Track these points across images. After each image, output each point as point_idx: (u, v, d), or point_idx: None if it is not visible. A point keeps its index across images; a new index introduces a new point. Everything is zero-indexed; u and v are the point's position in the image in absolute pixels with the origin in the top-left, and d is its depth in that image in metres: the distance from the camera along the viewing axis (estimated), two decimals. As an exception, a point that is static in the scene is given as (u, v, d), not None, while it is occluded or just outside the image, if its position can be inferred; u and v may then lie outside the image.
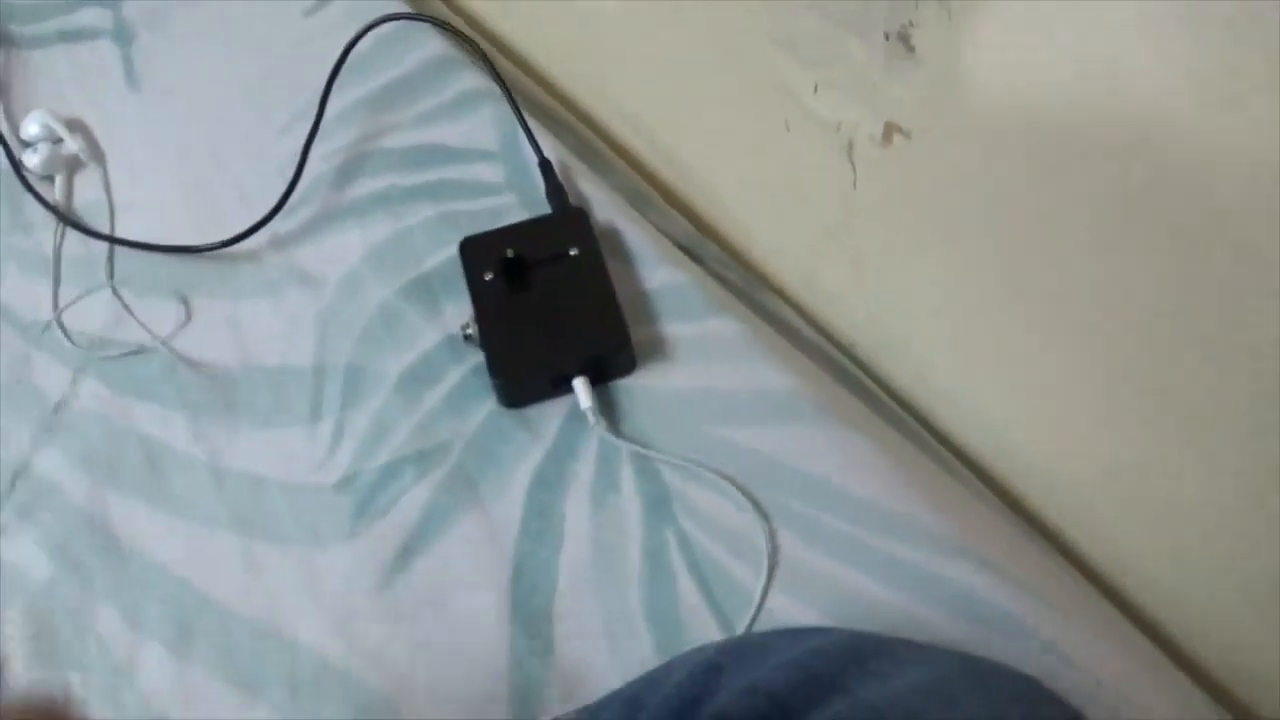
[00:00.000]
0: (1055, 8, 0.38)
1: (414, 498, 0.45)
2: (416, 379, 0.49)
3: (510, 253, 0.49)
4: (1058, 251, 0.45)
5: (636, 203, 0.63)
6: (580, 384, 0.46)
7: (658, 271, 0.51)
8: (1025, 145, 0.44)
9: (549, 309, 0.48)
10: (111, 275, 0.54)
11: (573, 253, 0.49)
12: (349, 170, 0.57)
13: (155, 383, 0.50)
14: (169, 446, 0.48)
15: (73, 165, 0.58)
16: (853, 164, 0.53)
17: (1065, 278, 0.46)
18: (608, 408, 0.47)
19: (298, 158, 0.55)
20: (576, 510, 0.45)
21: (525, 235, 0.50)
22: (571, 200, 0.54)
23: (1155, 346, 0.42)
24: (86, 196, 0.57)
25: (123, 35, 0.64)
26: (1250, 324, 0.37)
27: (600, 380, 0.47)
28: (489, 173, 0.55)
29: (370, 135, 0.58)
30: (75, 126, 0.59)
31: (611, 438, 0.45)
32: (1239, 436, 0.40)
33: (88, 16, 0.65)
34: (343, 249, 0.53)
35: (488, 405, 0.47)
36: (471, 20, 0.72)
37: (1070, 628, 0.40)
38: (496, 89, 0.58)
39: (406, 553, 0.44)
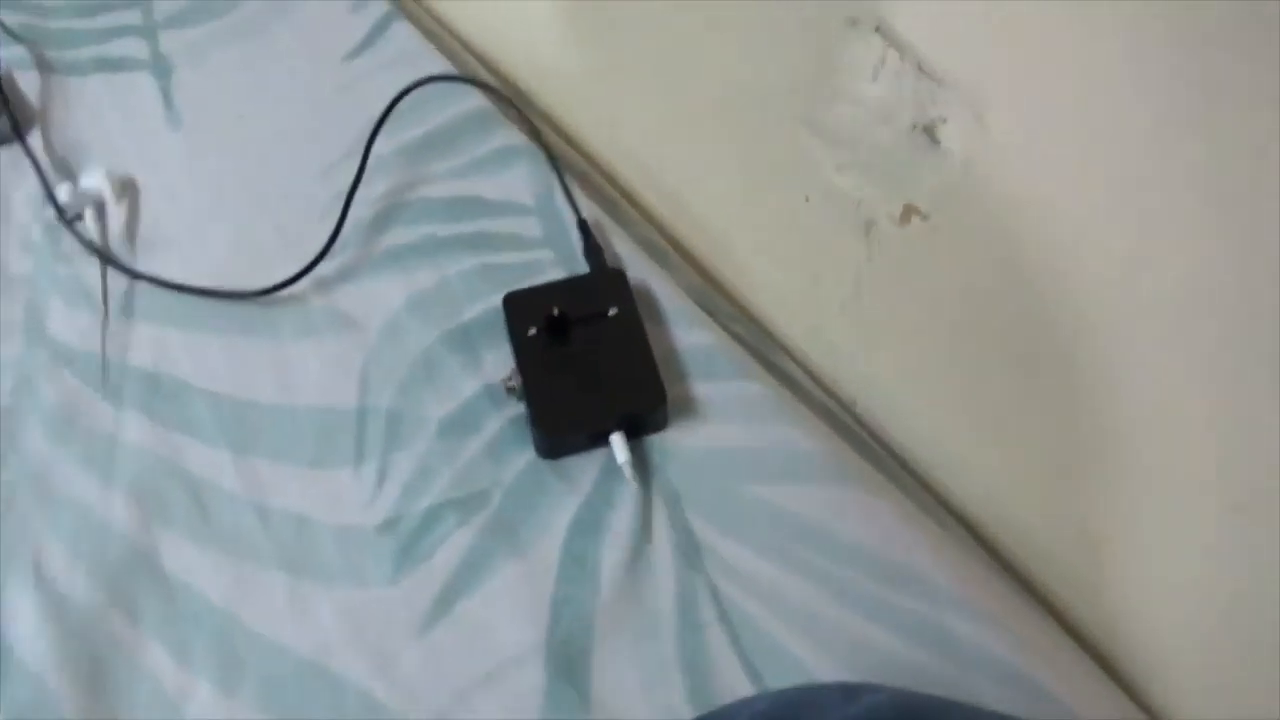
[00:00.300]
0: (1075, 121, 0.42)
1: (456, 542, 0.48)
2: (457, 427, 0.51)
3: (555, 310, 0.51)
4: (1042, 346, 0.49)
5: (652, 254, 0.66)
6: (617, 439, 0.49)
7: (689, 332, 0.54)
8: (1034, 244, 0.48)
9: (589, 366, 0.51)
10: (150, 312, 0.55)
11: (612, 313, 0.52)
12: (389, 217, 0.59)
13: (201, 420, 0.51)
14: (215, 484, 0.49)
15: (105, 200, 0.59)
16: (869, 240, 0.57)
17: (1045, 368, 0.49)
18: (641, 462, 0.50)
19: (339, 202, 0.57)
20: (612, 558, 0.47)
21: (566, 293, 0.53)
22: (606, 254, 0.57)
23: (1135, 427, 0.46)
24: (129, 230, 0.59)
25: (161, 69, 0.65)
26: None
27: (634, 435, 0.50)
28: (525, 227, 0.58)
29: (410, 184, 0.60)
30: (122, 181, 0.60)
31: (644, 491, 0.48)
32: (1209, 509, 0.44)
33: (124, 46, 0.67)
34: (385, 295, 0.55)
35: (526, 455, 0.50)
36: (503, 77, 0.75)
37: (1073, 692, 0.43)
38: (532, 146, 0.61)
39: (448, 596, 0.46)
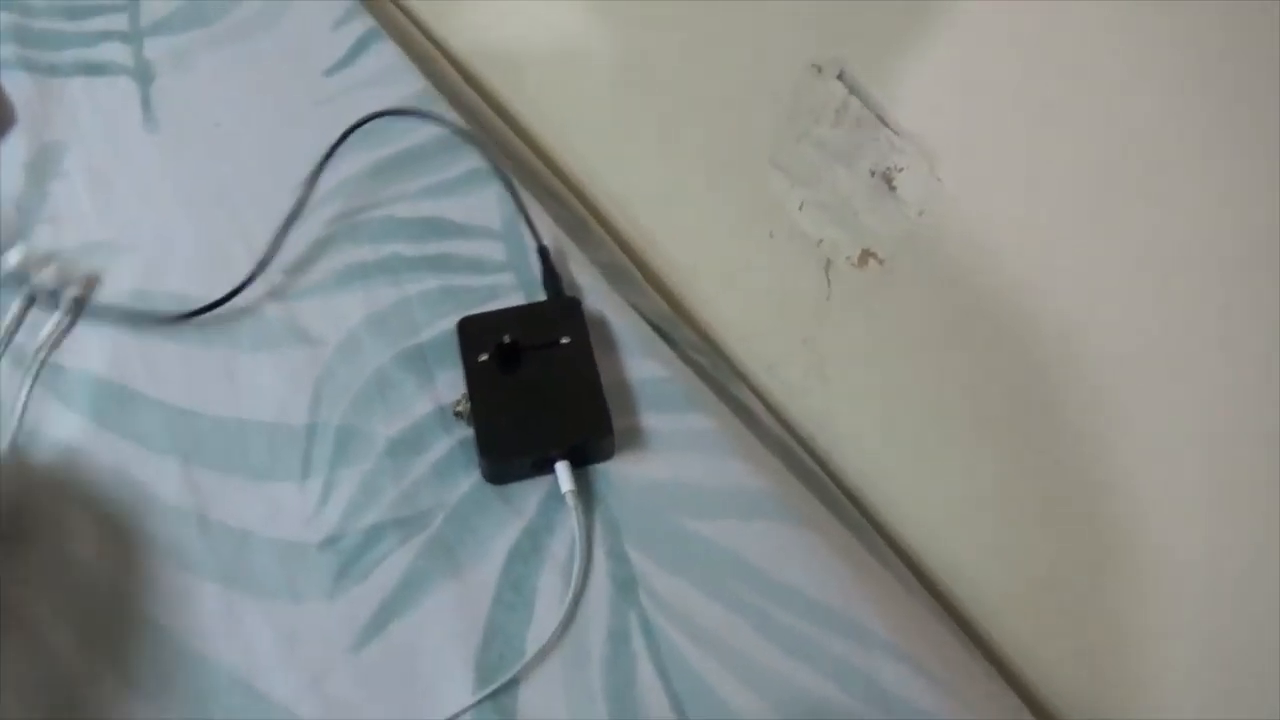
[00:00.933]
0: (1029, 172, 0.43)
1: (395, 562, 0.48)
2: (406, 446, 0.51)
3: (506, 337, 0.52)
4: (992, 389, 0.49)
5: (617, 278, 0.67)
6: (562, 468, 0.49)
7: (644, 363, 0.54)
8: (986, 294, 0.48)
9: (538, 394, 0.51)
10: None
11: (564, 341, 0.52)
12: (357, 233, 0.59)
13: (151, 428, 0.52)
14: (157, 493, 0.50)
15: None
16: (829, 279, 0.57)
17: (994, 410, 0.50)
18: (585, 491, 0.50)
19: (309, 216, 0.58)
20: (548, 586, 0.47)
21: (520, 320, 0.53)
22: (565, 282, 0.57)
23: (1090, 474, 0.46)
24: (84, 237, 0.59)
25: (143, 74, 0.66)
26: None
27: (580, 463, 0.51)
28: (490, 250, 0.58)
29: (380, 202, 0.60)
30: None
31: (586, 520, 0.49)
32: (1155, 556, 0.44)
33: (108, 51, 0.67)
34: (345, 311, 0.56)
35: (472, 478, 0.50)
36: (487, 95, 0.76)
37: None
38: (501, 169, 0.61)
39: (383, 616, 0.46)
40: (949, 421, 0.54)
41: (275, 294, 0.57)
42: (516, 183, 0.61)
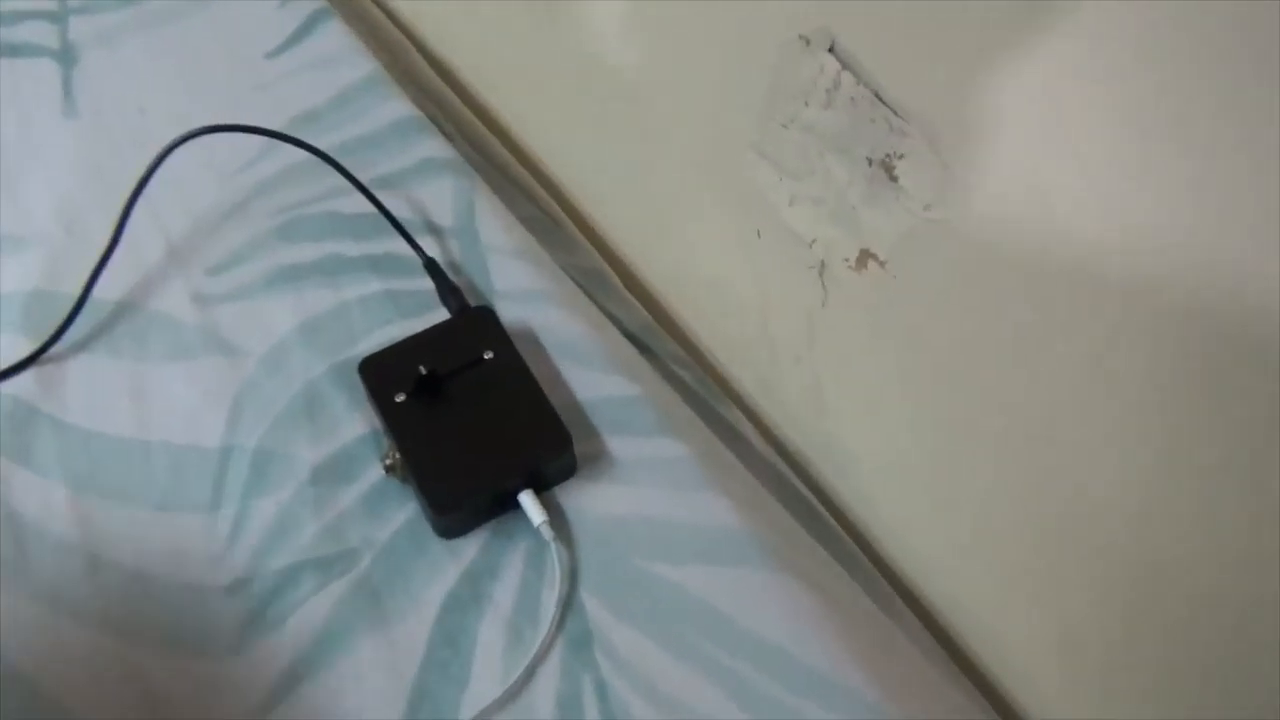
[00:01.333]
0: (1044, 152, 0.36)
1: (312, 610, 0.41)
2: (332, 474, 0.44)
3: (422, 368, 0.44)
4: (1019, 402, 0.42)
5: (596, 284, 0.60)
6: (528, 498, 0.42)
7: (604, 379, 0.47)
8: (1000, 291, 0.41)
9: (475, 422, 0.44)
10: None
11: (487, 356, 0.45)
12: (294, 230, 0.53)
13: (39, 449, 0.45)
14: (41, 526, 0.43)
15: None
16: (824, 284, 0.50)
17: (1021, 429, 0.43)
18: (558, 519, 0.43)
19: (236, 212, 0.52)
20: (489, 640, 0.41)
21: (430, 346, 0.46)
22: (522, 289, 0.50)
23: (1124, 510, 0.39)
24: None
25: (67, 56, 0.60)
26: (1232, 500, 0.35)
27: (542, 489, 0.44)
28: (441, 249, 0.52)
29: (324, 194, 0.54)
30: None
31: (567, 555, 0.42)
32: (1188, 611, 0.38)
33: (30, 30, 0.61)
34: (273, 318, 0.49)
35: (406, 510, 0.43)
36: (448, 74, 0.70)
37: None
38: (460, 159, 0.55)
39: (293, 676, 0.39)
40: (964, 446, 0.47)
41: (196, 299, 0.50)
42: (478, 176, 0.54)
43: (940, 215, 0.43)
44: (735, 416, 0.57)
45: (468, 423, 0.43)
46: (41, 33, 0.61)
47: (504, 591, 0.42)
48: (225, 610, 0.41)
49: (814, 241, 0.50)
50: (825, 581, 0.44)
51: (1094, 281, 0.36)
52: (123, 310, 0.50)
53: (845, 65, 0.43)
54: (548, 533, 0.42)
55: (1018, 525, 0.46)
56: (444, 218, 0.53)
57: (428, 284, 0.50)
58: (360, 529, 0.43)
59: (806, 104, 0.47)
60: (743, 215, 0.53)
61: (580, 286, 0.60)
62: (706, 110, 0.52)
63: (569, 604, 0.41)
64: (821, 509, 0.53)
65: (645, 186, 0.60)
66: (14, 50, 0.60)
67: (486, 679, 0.40)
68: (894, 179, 0.44)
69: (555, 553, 0.41)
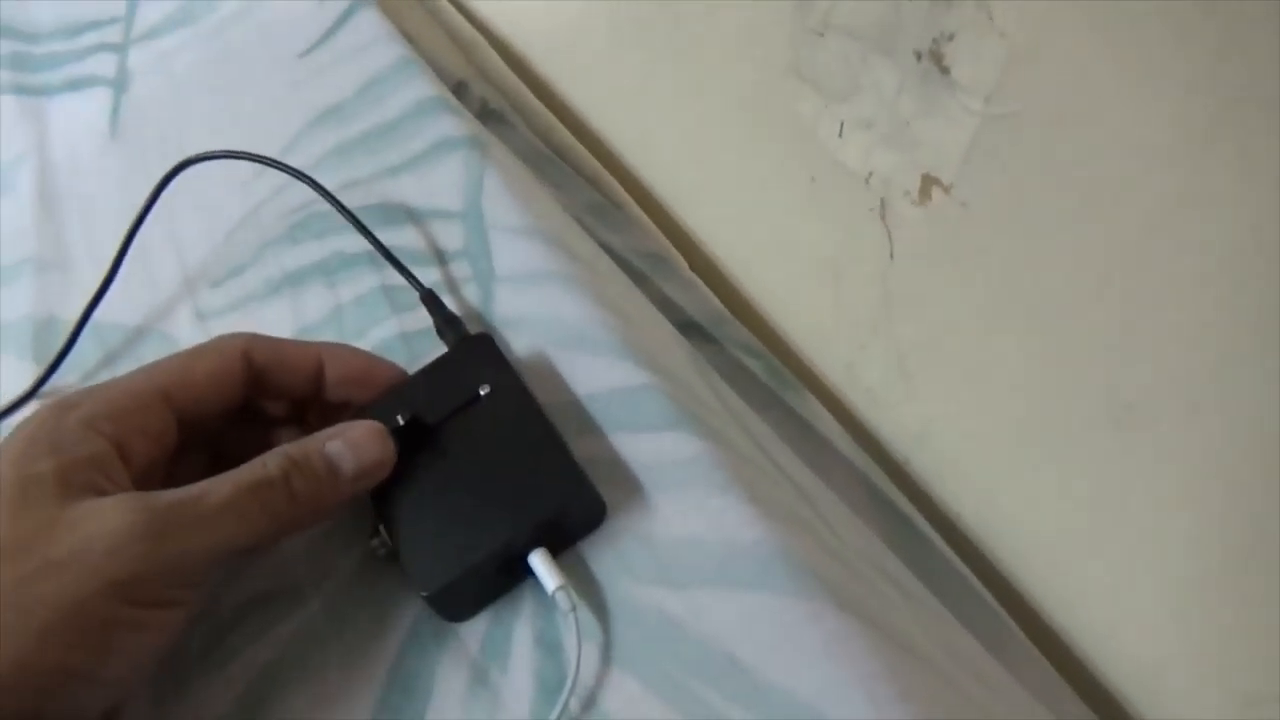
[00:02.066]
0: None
1: (252, 656, 0.35)
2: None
3: (400, 418, 0.35)
4: (1163, 339, 0.30)
5: (657, 268, 0.52)
6: (539, 559, 0.33)
7: (618, 366, 0.38)
8: (1093, 194, 0.29)
9: (472, 478, 0.35)
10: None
11: (483, 392, 0.37)
12: (302, 230, 0.48)
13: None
14: None
15: None
16: (887, 228, 0.40)
17: (1179, 384, 0.30)
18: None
19: (249, 222, 0.49)
20: (447, 685, 0.33)
21: (418, 390, 0.38)
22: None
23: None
24: (16, 256, 0.52)
25: (120, 83, 0.60)
26: None
27: (563, 545, 0.35)
28: (447, 236, 0.45)
29: (335, 189, 0.49)
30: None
31: (595, 624, 0.33)
32: None
33: (95, 64, 0.62)
34: (270, 326, 0.44)
35: (365, 542, 0.37)
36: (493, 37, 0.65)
37: None
38: (475, 135, 0.49)
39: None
40: (1077, 421, 0.35)
41: (198, 315, 0.47)
42: (491, 153, 0.48)
43: (1006, 107, 0.32)
44: (813, 411, 0.46)
45: (463, 480, 0.35)
46: (104, 64, 0.61)
47: (470, 628, 0.34)
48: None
49: (870, 175, 0.39)
50: (880, 617, 0.33)
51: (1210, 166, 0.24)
52: (132, 335, 0.47)
53: (866, -69, 0.33)
54: (566, 601, 0.32)
55: (1182, 535, 0.33)
56: (453, 200, 0.46)
57: (426, 276, 0.43)
58: (316, 560, 0.37)
59: (837, -1, 0.37)
60: (795, 161, 0.43)
61: (636, 271, 0.52)
62: (740, 41, 0.43)
63: (545, 642, 0.33)
64: (919, 517, 0.42)
65: (698, 149, 0.52)
66: (78, 84, 0.61)
67: (439, 735, 0.32)
68: (945, 71, 0.34)
69: (574, 628, 0.32)
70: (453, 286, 0.44)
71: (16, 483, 0.29)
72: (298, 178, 0.46)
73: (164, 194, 0.48)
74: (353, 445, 0.33)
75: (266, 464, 0.32)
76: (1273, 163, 0.24)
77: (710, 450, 0.35)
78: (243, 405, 0.36)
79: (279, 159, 0.49)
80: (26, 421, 0.31)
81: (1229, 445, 0.30)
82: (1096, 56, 0.28)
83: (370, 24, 0.57)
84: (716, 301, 0.52)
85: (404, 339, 0.43)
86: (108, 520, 0.28)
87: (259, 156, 0.47)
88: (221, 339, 0.36)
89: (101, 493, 0.30)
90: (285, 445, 0.33)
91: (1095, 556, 0.37)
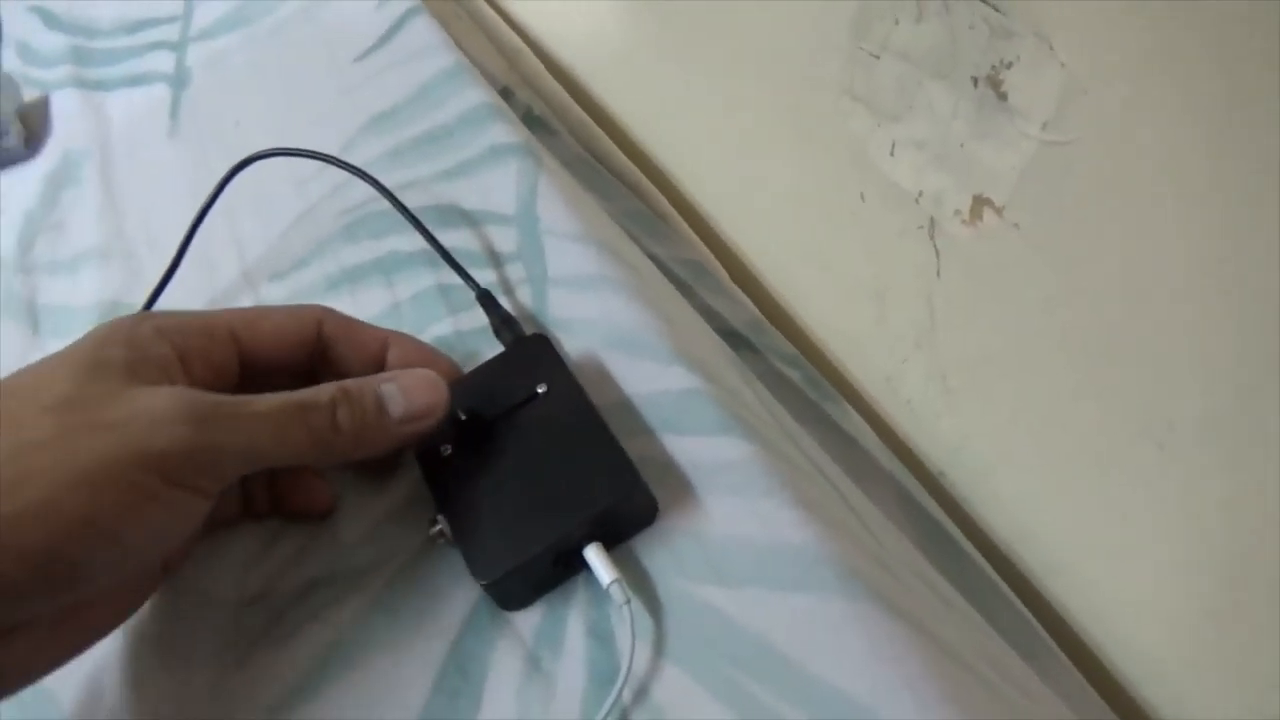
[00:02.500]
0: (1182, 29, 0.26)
1: (313, 635, 0.36)
2: (357, 486, 0.40)
3: (461, 414, 0.37)
4: (1204, 363, 0.31)
5: (699, 277, 0.54)
6: (594, 553, 0.34)
7: (668, 371, 0.40)
8: (1142, 223, 0.31)
9: (530, 473, 0.36)
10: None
11: (540, 390, 0.38)
12: (360, 229, 0.50)
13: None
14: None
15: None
16: (935, 247, 0.41)
17: (1220, 407, 0.32)
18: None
19: (306, 219, 0.50)
20: (501, 671, 0.34)
21: (476, 387, 0.39)
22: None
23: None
24: (79, 246, 0.54)
25: (179, 80, 0.61)
26: None
27: (617, 540, 0.36)
28: (500, 239, 0.47)
29: (394, 190, 0.51)
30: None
31: (647, 618, 0.34)
32: None
33: (153, 61, 0.63)
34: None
35: (424, 530, 0.38)
36: (545, 55, 0.66)
37: None
38: (527, 143, 0.50)
39: (290, 697, 0.35)
40: (1131, 454, 0.36)
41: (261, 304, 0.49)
42: (544, 160, 0.49)
43: (1062, 135, 0.33)
44: (852, 422, 0.47)
45: (521, 474, 0.36)
46: (162, 61, 0.63)
47: (525, 616, 0.35)
48: (235, 624, 0.38)
49: (920, 194, 0.41)
50: (928, 619, 0.34)
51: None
52: (194, 320, 0.49)
53: (932, -39, 0.34)
54: (620, 593, 0.33)
55: (1224, 553, 0.34)
56: (507, 205, 0.48)
57: (482, 276, 0.45)
58: (383, 544, 0.38)
59: (897, 22, 0.38)
60: (845, 178, 0.45)
61: (679, 279, 0.53)
62: (792, 60, 0.45)
63: (598, 633, 0.34)
64: (951, 526, 0.43)
65: (744, 162, 0.53)
66: (138, 80, 0.62)
67: (492, 715, 0.33)
68: (1003, 97, 0.35)
69: (628, 621, 0.33)
70: (507, 288, 0.45)
71: (89, 358, 0.32)
72: (359, 176, 0.48)
73: (228, 190, 0.50)
74: (405, 389, 0.35)
75: (319, 390, 0.34)
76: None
77: (759, 454, 0.37)
78: (306, 371, 0.38)
79: (321, 167, 0.51)
80: (107, 322, 0.34)
81: (1267, 467, 0.31)
82: (1152, 91, 0.29)
83: (424, 31, 0.58)
84: (757, 311, 0.53)
85: (459, 337, 0.44)
86: (158, 400, 0.31)
87: (324, 155, 0.48)
88: (300, 305, 0.38)
89: (160, 386, 0.32)
90: (345, 380, 0.35)
91: (1129, 572, 0.38)
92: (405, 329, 0.45)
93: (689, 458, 0.37)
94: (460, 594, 0.36)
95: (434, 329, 0.45)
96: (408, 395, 0.35)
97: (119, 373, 0.31)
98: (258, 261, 0.50)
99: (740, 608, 0.33)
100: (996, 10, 0.33)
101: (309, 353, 0.37)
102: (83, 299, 0.51)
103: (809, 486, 0.37)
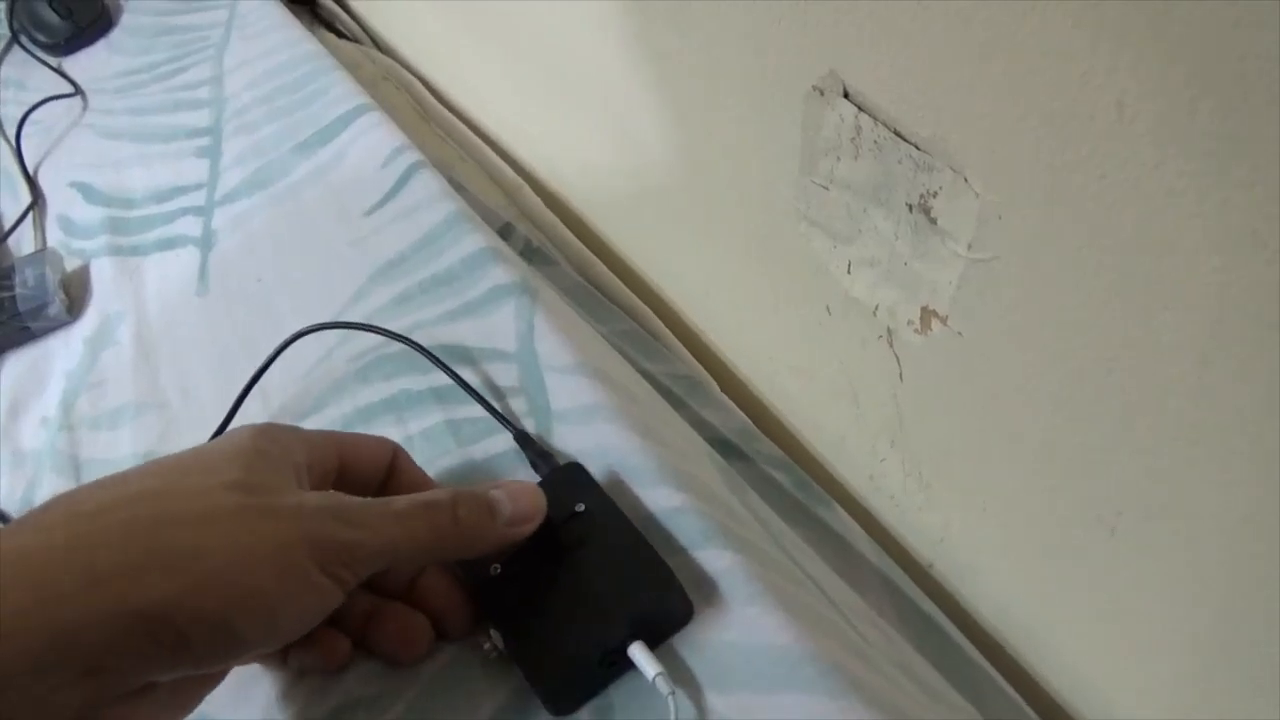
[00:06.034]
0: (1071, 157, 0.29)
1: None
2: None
3: None
4: (1148, 449, 0.34)
5: (690, 391, 0.57)
6: (638, 650, 0.37)
7: (653, 492, 0.43)
8: (1070, 323, 0.34)
9: (577, 584, 0.40)
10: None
11: (579, 509, 0.42)
12: (372, 371, 0.54)
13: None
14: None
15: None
16: (895, 354, 0.44)
17: (1165, 490, 0.34)
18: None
19: (321, 366, 0.54)
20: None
21: None
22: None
23: None
24: (118, 401, 0.58)
25: (206, 242, 0.67)
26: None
27: (656, 641, 0.39)
28: (503, 374, 0.51)
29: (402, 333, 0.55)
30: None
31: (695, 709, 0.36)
32: None
33: (182, 225, 0.69)
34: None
35: (451, 647, 0.41)
36: (537, 183, 0.71)
37: None
38: (524, 281, 0.54)
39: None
40: (1077, 530, 0.39)
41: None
42: (539, 298, 0.54)
43: (985, 253, 0.37)
44: (842, 521, 0.50)
45: (569, 585, 0.39)
46: (190, 225, 0.69)
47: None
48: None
49: (877, 307, 0.44)
50: (910, 705, 0.36)
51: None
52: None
53: (861, 108, 0.39)
54: (665, 684, 0.36)
55: (1179, 634, 0.36)
56: (508, 342, 0.52)
57: (483, 411, 0.49)
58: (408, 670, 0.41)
59: (838, 159, 0.43)
60: (812, 294, 0.49)
61: (671, 395, 0.56)
62: (754, 195, 0.49)
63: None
64: (942, 618, 0.45)
65: (722, 281, 0.57)
66: (168, 244, 0.68)
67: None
68: (933, 221, 0.39)
69: (674, 709, 0.36)
70: (515, 421, 0.49)
71: (252, 447, 0.36)
72: (400, 340, 0.52)
73: (253, 343, 0.55)
74: (512, 495, 0.39)
75: (439, 491, 0.38)
76: (1231, 283, 0.29)
77: (742, 563, 0.39)
78: (375, 493, 0.42)
79: (348, 306, 0.55)
80: (251, 424, 0.38)
81: (1215, 543, 0.33)
82: (1056, 215, 0.33)
83: (426, 183, 0.63)
84: (747, 420, 0.56)
85: (468, 468, 0.47)
86: (312, 499, 0.35)
87: (367, 326, 0.53)
88: (380, 436, 0.43)
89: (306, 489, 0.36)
90: (457, 486, 0.39)
91: (1103, 650, 0.40)
92: (419, 462, 0.49)
93: (680, 571, 0.40)
94: (489, 702, 0.39)
95: (443, 461, 0.48)
96: (515, 501, 0.39)
97: (279, 466, 0.36)
98: (280, 406, 0.54)
99: (739, 713, 0.36)
100: (917, 148, 0.37)
101: (382, 476, 0.42)
102: (121, 451, 0.55)
103: (791, 588, 0.39)
